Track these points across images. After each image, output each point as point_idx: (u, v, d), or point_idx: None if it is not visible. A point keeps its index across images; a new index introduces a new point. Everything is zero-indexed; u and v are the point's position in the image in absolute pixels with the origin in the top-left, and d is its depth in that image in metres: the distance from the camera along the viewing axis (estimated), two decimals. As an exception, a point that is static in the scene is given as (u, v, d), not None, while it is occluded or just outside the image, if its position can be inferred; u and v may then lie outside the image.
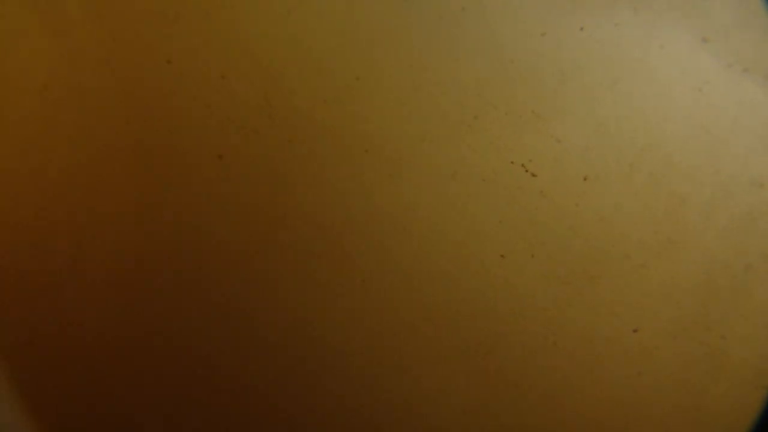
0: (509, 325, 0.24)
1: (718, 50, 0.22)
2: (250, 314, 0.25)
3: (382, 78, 0.23)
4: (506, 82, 0.23)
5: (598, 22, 0.22)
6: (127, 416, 0.26)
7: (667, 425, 0.23)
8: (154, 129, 0.24)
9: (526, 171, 0.23)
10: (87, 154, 0.25)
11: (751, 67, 0.22)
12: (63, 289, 0.26)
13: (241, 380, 0.25)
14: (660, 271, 0.23)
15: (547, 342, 0.23)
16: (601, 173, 0.23)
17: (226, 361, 0.25)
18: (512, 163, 0.23)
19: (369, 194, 0.24)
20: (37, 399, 0.26)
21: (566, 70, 0.22)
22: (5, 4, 0.24)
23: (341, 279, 0.24)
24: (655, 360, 0.23)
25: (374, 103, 0.23)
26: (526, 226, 0.23)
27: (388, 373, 0.24)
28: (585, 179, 0.23)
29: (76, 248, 0.25)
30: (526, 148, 0.23)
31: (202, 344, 0.25)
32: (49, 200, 0.25)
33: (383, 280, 0.24)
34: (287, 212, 0.24)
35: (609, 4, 0.22)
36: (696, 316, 0.23)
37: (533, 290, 0.23)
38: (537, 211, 0.23)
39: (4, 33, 0.25)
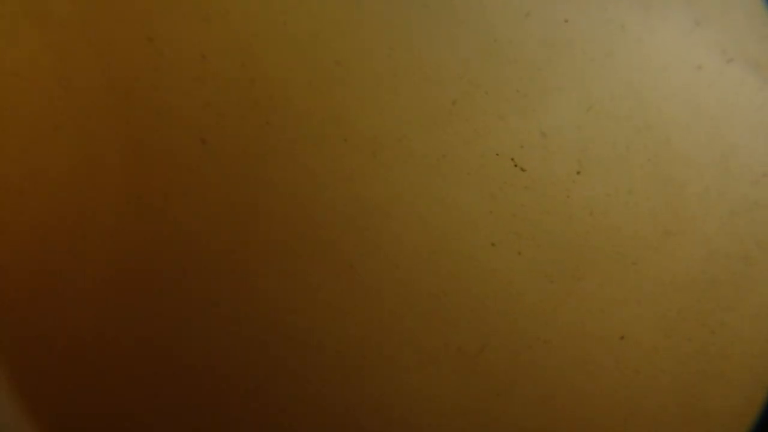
0: (499, 323, 0.23)
1: (712, 33, 0.21)
2: (232, 306, 0.25)
3: (363, 63, 0.23)
4: (490, 62, 0.22)
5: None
6: (126, 416, 0.26)
7: (666, 425, 0.23)
8: (136, 111, 0.24)
9: (514, 164, 0.22)
10: (67, 137, 0.25)
11: (745, 52, 0.21)
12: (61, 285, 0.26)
13: (218, 373, 0.25)
14: (657, 265, 0.22)
15: (538, 341, 0.23)
16: (594, 158, 0.22)
17: (203, 354, 0.25)
18: (497, 155, 0.22)
19: (350, 181, 0.23)
20: (36, 399, 0.26)
21: (555, 46, 0.22)
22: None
23: (323, 268, 0.24)
24: (652, 359, 0.22)
25: (354, 88, 0.23)
26: (513, 218, 0.23)
27: (373, 365, 0.24)
28: (578, 172, 0.22)
29: (69, 238, 0.25)
30: (512, 131, 0.22)
31: (189, 339, 0.25)
32: (33, 185, 0.25)
33: (366, 267, 0.24)
34: (269, 202, 0.24)
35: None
36: (694, 314, 0.22)
37: (522, 287, 0.23)
38: (524, 204, 0.23)
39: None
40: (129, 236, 0.25)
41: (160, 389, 0.26)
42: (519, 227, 0.23)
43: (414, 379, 0.24)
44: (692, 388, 0.22)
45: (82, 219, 0.25)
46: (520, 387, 0.23)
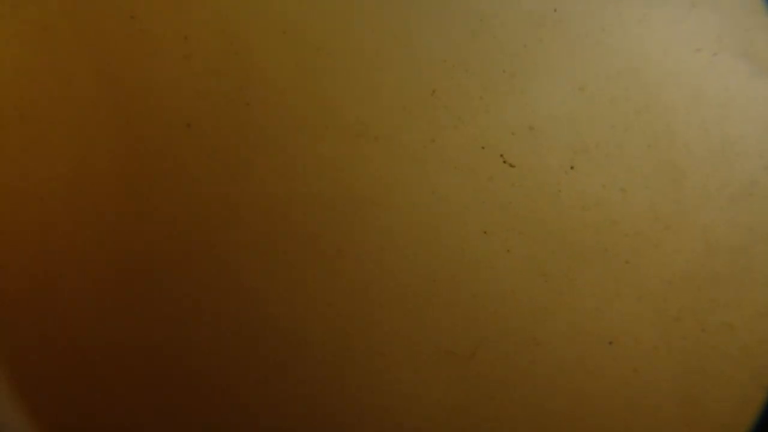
0: (490, 322, 0.23)
1: (708, 17, 0.20)
2: (215, 299, 0.25)
3: (345, 47, 0.22)
4: (476, 42, 0.22)
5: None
6: (126, 416, 0.26)
7: (666, 425, 0.22)
8: (123, 95, 0.24)
9: (501, 157, 0.22)
10: (54, 124, 0.25)
11: (741, 40, 0.20)
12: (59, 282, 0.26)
13: (212, 372, 0.25)
14: (657, 262, 0.22)
15: (531, 341, 0.22)
16: (590, 142, 0.21)
17: (201, 353, 0.25)
18: (483, 148, 0.22)
19: (332, 168, 0.23)
20: (36, 399, 0.27)
21: (545, 23, 0.21)
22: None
23: (306, 256, 0.24)
24: (651, 358, 0.22)
25: (336, 72, 0.22)
26: (502, 211, 0.22)
27: (358, 357, 0.24)
28: (572, 167, 0.22)
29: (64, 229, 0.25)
30: (499, 112, 0.22)
31: (181, 337, 0.25)
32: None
33: (348, 255, 0.23)
34: (252, 190, 0.24)
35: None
36: (693, 313, 0.22)
37: (513, 285, 0.22)
38: (514, 196, 0.22)
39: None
40: (117, 219, 0.25)
41: (160, 389, 0.26)
42: (509, 222, 0.22)
43: (405, 375, 0.24)
44: (692, 388, 0.22)
45: (75, 209, 0.25)
46: (513, 387, 0.23)
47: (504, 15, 0.22)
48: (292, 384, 0.25)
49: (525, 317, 0.22)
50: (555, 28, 0.21)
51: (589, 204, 0.22)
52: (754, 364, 0.21)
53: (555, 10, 0.21)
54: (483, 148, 0.22)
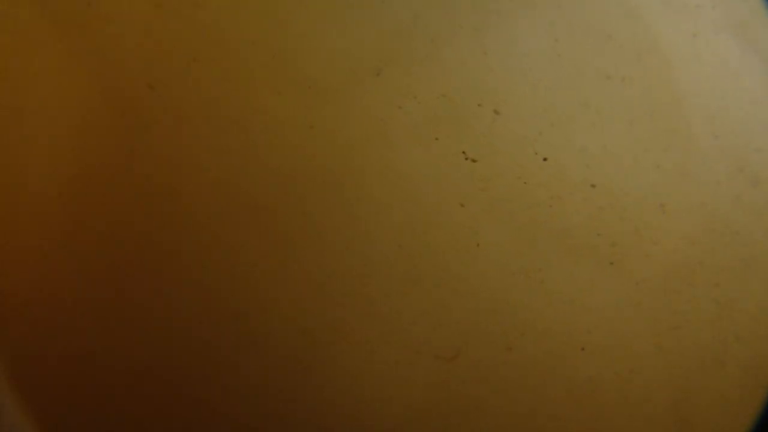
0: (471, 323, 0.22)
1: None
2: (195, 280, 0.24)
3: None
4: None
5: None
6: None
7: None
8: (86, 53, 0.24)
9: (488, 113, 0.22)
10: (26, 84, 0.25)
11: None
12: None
13: (193, 369, 0.25)
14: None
15: (514, 341, 0.22)
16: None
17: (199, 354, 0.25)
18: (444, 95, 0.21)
19: (287, 148, 0.23)
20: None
21: None
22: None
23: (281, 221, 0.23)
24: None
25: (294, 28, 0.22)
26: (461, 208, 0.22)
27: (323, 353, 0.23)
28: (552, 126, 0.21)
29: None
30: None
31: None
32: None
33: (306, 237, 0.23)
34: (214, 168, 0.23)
35: None
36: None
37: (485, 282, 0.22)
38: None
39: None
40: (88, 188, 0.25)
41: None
42: (472, 213, 0.22)
43: (386, 370, 0.23)
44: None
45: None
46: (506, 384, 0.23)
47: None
48: (271, 384, 0.24)
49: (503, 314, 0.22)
50: None
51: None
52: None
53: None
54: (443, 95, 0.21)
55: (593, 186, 0.21)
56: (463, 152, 0.21)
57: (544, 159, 0.21)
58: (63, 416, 0.27)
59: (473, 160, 0.21)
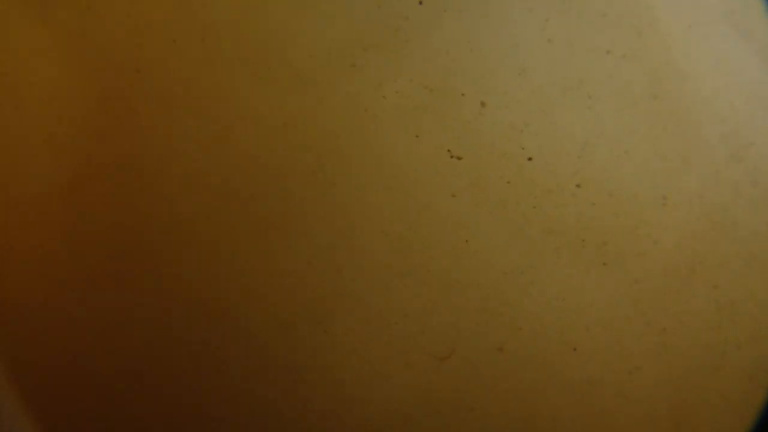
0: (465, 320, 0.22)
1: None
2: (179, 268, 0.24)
3: None
4: None
5: None
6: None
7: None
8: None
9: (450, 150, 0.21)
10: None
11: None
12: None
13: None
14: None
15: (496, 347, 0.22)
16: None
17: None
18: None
19: (268, 138, 0.22)
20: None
21: None
22: None
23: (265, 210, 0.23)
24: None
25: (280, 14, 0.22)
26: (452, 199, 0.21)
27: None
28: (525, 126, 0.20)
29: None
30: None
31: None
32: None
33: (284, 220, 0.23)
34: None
35: None
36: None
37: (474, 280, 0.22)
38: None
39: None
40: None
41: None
42: (461, 206, 0.21)
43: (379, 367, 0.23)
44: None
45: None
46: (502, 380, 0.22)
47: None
48: (254, 382, 0.24)
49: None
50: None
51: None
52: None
53: None
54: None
55: (580, 184, 0.20)
56: (449, 150, 0.21)
57: (529, 159, 0.21)
58: (63, 416, 0.27)
59: (458, 158, 0.21)
